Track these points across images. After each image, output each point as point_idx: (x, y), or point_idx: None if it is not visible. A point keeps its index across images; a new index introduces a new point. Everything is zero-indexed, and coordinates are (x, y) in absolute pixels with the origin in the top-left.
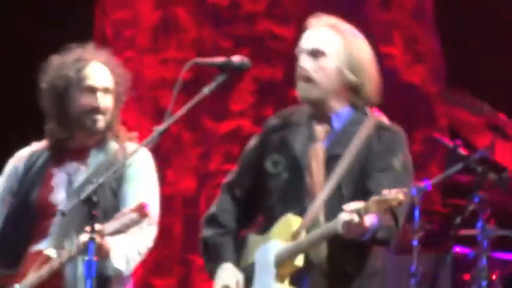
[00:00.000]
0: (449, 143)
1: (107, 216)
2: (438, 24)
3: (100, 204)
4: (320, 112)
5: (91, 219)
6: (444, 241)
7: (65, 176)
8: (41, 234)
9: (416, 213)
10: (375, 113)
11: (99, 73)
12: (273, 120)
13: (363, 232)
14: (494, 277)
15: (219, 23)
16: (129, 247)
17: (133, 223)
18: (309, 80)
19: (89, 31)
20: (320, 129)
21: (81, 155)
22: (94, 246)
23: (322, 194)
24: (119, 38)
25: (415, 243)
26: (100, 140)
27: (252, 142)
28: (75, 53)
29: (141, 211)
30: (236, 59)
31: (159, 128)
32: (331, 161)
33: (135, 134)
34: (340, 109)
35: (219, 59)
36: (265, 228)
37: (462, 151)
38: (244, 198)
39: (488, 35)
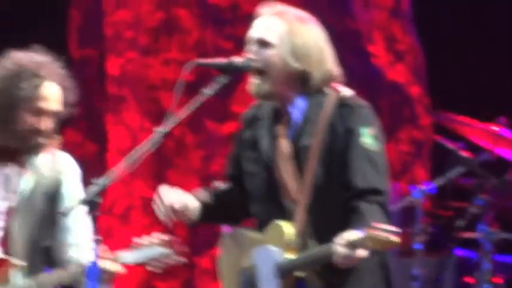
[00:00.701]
0: (451, 145)
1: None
2: (418, 23)
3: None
4: (279, 104)
5: (92, 220)
6: (447, 244)
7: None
8: None
9: (418, 216)
10: (336, 88)
11: (51, 95)
12: (246, 114)
13: (357, 263)
14: (498, 280)
15: (220, 24)
16: None
17: (163, 258)
18: (259, 71)
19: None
20: (280, 124)
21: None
22: (107, 273)
23: (301, 194)
24: (119, 39)
25: (417, 246)
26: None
27: (234, 140)
28: (30, 65)
29: (175, 246)
30: (238, 59)
31: (161, 129)
32: (299, 154)
33: (58, 139)
34: (295, 98)
35: (221, 60)
36: (255, 227)
37: (463, 153)
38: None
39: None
